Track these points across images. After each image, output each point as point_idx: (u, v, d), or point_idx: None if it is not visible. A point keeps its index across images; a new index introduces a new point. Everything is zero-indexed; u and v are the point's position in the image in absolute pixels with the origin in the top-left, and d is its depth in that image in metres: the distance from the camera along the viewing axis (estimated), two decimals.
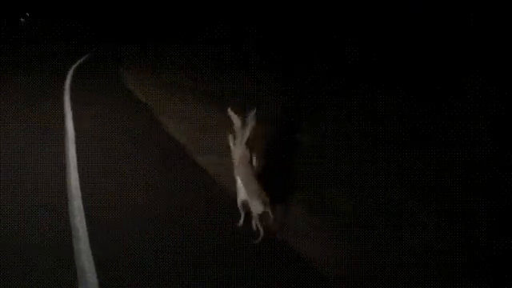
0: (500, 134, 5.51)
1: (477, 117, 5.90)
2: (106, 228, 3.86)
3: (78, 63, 15.77)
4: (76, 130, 6.71)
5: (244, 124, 3.76)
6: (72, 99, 9.02)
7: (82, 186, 4.68)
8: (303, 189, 4.70)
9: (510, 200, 4.20)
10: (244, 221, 3.91)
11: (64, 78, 11.78)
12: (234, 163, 3.88)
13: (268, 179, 4.09)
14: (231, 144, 3.87)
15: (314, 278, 3.34)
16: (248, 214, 3.84)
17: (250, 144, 3.82)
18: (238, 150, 3.82)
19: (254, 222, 3.71)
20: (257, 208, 3.58)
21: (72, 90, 10.17)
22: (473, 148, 5.27)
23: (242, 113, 3.81)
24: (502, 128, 5.63)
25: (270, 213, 3.61)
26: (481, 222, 3.90)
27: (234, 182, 3.92)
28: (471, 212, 4.06)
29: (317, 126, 6.65)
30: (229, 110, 3.82)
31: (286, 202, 4.45)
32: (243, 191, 3.74)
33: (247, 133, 3.77)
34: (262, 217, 3.65)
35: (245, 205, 3.82)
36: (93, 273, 3.22)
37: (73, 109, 8.12)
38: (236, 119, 3.78)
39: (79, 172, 5.02)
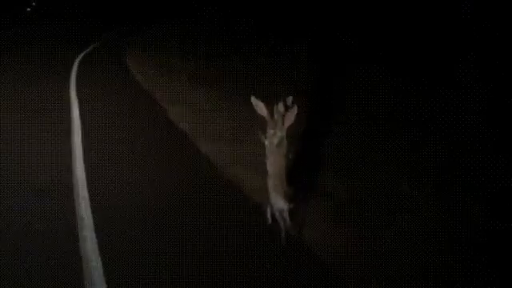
0: (493, 119, 5.46)
1: (470, 101, 5.83)
2: (110, 216, 3.90)
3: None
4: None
5: (275, 112, 3.27)
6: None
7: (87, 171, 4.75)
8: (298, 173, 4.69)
9: (503, 184, 4.16)
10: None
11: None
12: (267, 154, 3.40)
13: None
14: (263, 135, 3.38)
15: (307, 261, 3.33)
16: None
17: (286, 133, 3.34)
18: (272, 140, 3.31)
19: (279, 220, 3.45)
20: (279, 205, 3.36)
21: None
22: (467, 133, 5.21)
23: (270, 101, 3.36)
24: (495, 113, 5.57)
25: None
26: (475, 205, 3.88)
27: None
28: (465, 196, 4.04)
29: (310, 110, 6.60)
30: (252, 98, 3.32)
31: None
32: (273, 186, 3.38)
33: (283, 121, 3.26)
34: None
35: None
36: (98, 260, 3.26)
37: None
38: (262, 107, 3.30)
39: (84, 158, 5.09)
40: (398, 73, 7.43)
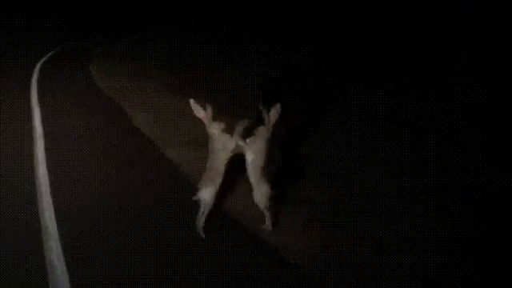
0: (480, 121, 5.55)
1: (454, 102, 5.96)
2: (75, 223, 3.86)
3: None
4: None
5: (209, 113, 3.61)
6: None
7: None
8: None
9: (487, 187, 4.23)
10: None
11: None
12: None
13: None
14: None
15: (285, 268, 3.34)
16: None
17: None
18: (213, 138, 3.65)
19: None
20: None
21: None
22: (450, 134, 5.30)
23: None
24: (481, 114, 5.69)
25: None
26: (456, 212, 3.92)
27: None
28: (447, 203, 4.08)
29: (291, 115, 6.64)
30: (191, 101, 3.63)
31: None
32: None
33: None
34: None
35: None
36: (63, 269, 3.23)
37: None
38: (198, 110, 3.62)
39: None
40: (378, 73, 7.55)
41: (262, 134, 3.62)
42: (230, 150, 3.60)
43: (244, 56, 11.02)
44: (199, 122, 3.71)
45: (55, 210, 4.03)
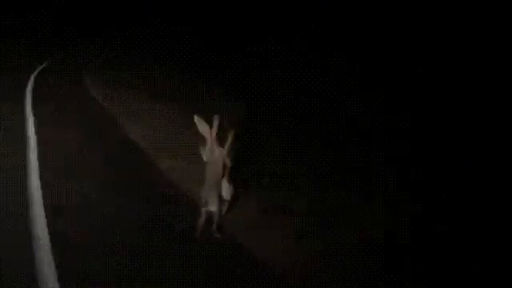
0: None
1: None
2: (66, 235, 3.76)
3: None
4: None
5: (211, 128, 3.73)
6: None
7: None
8: (256, 190, 4.71)
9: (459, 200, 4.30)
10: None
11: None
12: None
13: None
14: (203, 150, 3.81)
15: (267, 278, 3.29)
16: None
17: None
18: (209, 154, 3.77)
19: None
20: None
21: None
22: (420, 142, 5.37)
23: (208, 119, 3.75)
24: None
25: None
26: (426, 219, 4.00)
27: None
28: (418, 210, 4.16)
29: (265, 127, 6.66)
30: (195, 117, 3.74)
31: (240, 202, 4.43)
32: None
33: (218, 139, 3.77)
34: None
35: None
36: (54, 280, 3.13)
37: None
38: (203, 126, 3.73)
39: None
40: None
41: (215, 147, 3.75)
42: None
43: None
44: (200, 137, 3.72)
45: (47, 221, 3.92)
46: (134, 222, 3.99)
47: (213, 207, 3.71)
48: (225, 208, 4.04)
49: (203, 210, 3.72)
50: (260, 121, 6.47)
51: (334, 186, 4.74)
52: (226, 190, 3.96)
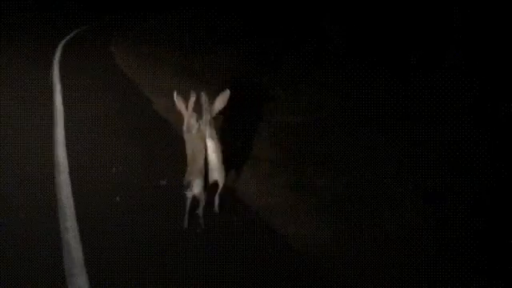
0: (479, 114, 5.44)
1: (456, 95, 5.81)
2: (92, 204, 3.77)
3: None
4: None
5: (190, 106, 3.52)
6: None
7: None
8: (283, 168, 4.62)
9: (486, 181, 4.13)
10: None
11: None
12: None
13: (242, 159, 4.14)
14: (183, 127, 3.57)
15: (292, 257, 3.25)
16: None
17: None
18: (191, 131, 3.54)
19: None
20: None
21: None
22: (450, 127, 5.19)
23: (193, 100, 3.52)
24: (481, 107, 5.55)
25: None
26: (456, 202, 3.83)
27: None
28: (446, 192, 3.99)
29: (295, 104, 6.53)
30: (174, 94, 3.55)
31: (266, 181, 4.36)
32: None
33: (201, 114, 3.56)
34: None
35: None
36: (78, 248, 3.13)
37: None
38: (180, 103, 3.52)
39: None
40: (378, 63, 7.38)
41: (209, 121, 3.57)
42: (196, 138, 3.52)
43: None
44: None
45: (73, 190, 3.95)
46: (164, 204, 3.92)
47: (196, 190, 3.43)
48: (218, 192, 3.73)
49: (186, 194, 3.46)
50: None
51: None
52: (217, 173, 3.62)
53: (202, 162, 3.50)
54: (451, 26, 7.63)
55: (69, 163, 4.50)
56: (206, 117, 3.56)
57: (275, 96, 6.91)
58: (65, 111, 6.22)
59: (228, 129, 5.29)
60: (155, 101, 7.11)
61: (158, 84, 8.15)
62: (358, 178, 4.34)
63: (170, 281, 2.90)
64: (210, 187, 3.61)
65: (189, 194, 3.43)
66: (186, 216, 3.49)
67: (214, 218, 3.65)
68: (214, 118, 3.63)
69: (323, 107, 6.40)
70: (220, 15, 14.99)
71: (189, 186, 3.40)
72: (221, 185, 3.66)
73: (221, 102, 3.60)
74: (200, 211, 3.52)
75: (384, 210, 3.78)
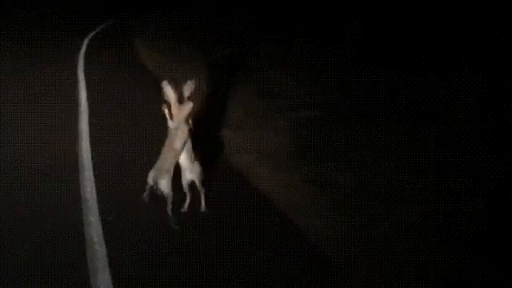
0: (490, 112, 5.33)
1: (469, 94, 5.68)
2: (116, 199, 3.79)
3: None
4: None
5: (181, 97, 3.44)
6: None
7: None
8: (300, 163, 4.58)
9: (498, 179, 4.05)
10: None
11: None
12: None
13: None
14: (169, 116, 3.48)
15: (309, 250, 3.23)
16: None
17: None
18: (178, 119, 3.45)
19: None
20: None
21: None
22: (464, 125, 5.09)
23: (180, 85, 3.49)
24: (492, 106, 5.44)
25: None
26: (469, 200, 3.78)
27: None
28: (459, 190, 3.94)
29: (312, 99, 6.47)
30: (163, 82, 3.49)
31: (284, 176, 4.33)
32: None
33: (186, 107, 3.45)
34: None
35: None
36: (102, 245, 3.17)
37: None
38: (169, 91, 3.43)
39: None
40: (395, 61, 7.27)
41: (181, 116, 3.44)
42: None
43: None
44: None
45: (96, 185, 3.97)
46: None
47: (163, 187, 3.34)
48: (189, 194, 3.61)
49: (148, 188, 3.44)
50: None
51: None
52: (188, 172, 3.51)
53: (173, 160, 3.41)
54: (460, 28, 7.45)
55: (92, 158, 4.55)
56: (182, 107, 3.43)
57: (292, 91, 6.85)
58: (89, 106, 6.28)
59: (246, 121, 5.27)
60: None
61: (180, 77, 8.14)
62: (376, 174, 4.29)
63: (193, 276, 2.87)
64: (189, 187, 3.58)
65: (158, 192, 3.39)
66: (170, 215, 3.39)
67: (233, 212, 3.64)
68: (183, 106, 3.45)
69: (341, 103, 6.35)
70: (240, 8, 14.89)
71: (155, 181, 3.37)
72: (198, 183, 3.55)
73: (187, 89, 3.47)
74: (169, 209, 3.39)
75: (401, 205, 3.74)
